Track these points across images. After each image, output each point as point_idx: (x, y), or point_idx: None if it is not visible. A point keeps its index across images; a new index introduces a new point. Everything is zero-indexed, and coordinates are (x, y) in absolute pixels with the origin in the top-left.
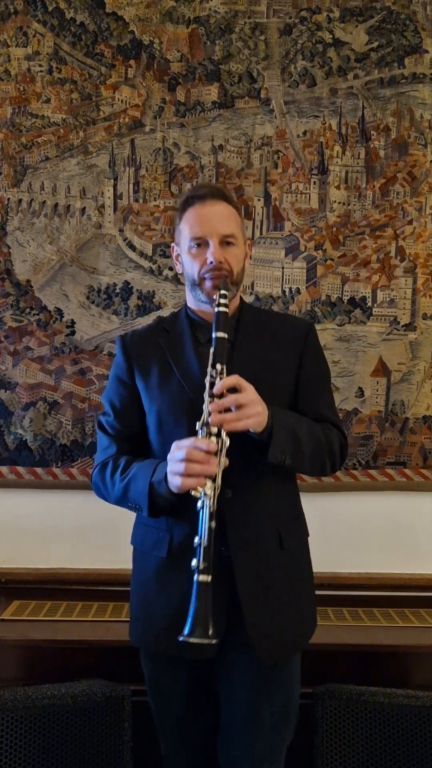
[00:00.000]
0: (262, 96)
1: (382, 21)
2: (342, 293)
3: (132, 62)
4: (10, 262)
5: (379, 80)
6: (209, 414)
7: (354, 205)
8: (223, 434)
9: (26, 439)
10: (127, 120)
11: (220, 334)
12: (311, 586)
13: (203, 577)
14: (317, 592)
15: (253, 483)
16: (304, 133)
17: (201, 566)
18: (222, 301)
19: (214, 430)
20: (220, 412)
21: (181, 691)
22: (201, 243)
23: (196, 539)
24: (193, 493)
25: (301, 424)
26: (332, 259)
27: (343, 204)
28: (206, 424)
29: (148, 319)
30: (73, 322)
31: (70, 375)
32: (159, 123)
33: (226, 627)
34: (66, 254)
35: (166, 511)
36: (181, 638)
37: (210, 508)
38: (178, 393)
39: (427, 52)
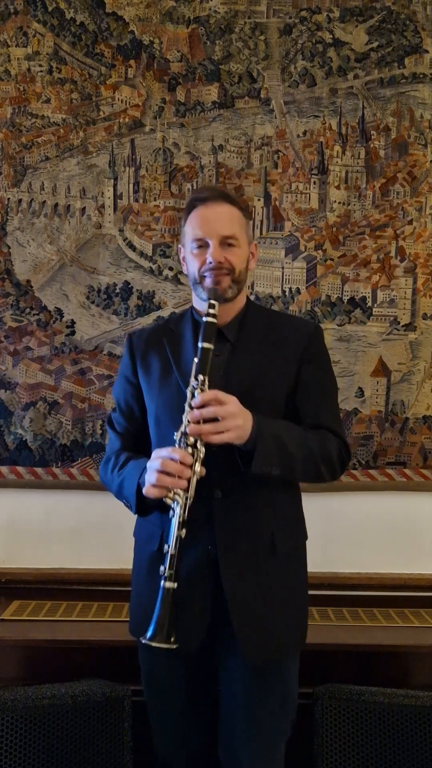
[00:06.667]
0: (262, 96)
1: (382, 21)
2: (342, 293)
3: (132, 62)
4: (10, 262)
5: (379, 80)
6: (188, 424)
7: (354, 205)
8: (199, 445)
9: (26, 439)
10: (127, 120)
11: (205, 345)
12: (304, 591)
13: (169, 584)
14: (318, 593)
15: (244, 485)
16: (304, 133)
17: (167, 573)
18: (211, 311)
19: (191, 440)
20: (198, 423)
21: (179, 685)
22: (202, 244)
23: (165, 546)
24: (166, 500)
25: (291, 432)
26: (332, 259)
27: (343, 204)
28: (184, 434)
29: (148, 319)
30: (73, 322)
31: (70, 375)
32: (159, 123)
33: (216, 623)
34: (66, 254)
35: (155, 509)
36: (143, 641)
37: (179, 517)
38: (176, 392)
39: (427, 52)
